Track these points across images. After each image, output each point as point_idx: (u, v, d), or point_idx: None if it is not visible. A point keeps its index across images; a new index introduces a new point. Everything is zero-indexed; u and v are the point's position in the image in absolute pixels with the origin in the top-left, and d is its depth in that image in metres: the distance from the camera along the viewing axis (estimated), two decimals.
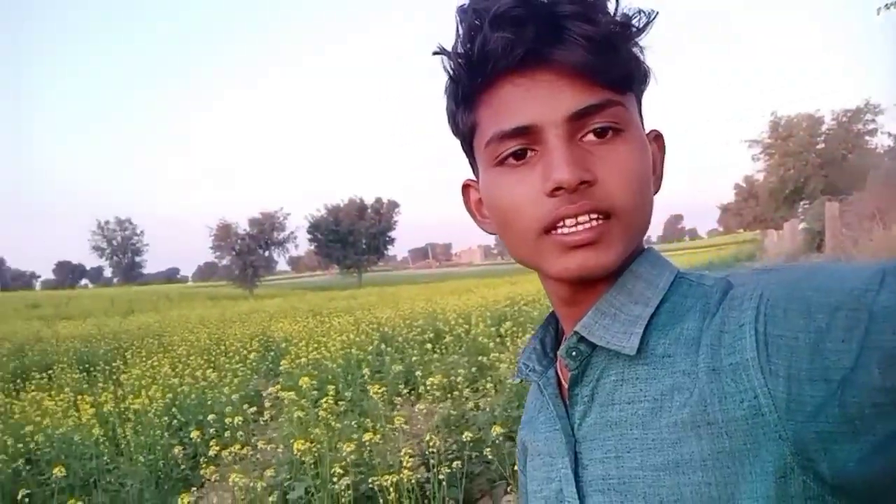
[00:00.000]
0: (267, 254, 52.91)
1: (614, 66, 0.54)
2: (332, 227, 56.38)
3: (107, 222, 78.62)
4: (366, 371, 6.49)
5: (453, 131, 0.62)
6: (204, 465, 3.57)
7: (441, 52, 0.58)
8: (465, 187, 0.66)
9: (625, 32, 0.54)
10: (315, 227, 56.81)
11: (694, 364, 0.51)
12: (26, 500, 3.60)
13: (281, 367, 7.24)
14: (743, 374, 0.48)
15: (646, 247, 0.62)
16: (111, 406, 5.94)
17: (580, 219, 0.53)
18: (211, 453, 3.63)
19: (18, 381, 8.95)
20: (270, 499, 3.21)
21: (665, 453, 0.51)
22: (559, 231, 0.54)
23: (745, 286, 0.52)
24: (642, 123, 0.60)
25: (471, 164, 0.63)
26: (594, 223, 0.53)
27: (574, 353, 0.58)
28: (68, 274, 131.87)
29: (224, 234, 51.18)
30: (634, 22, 0.55)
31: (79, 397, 6.36)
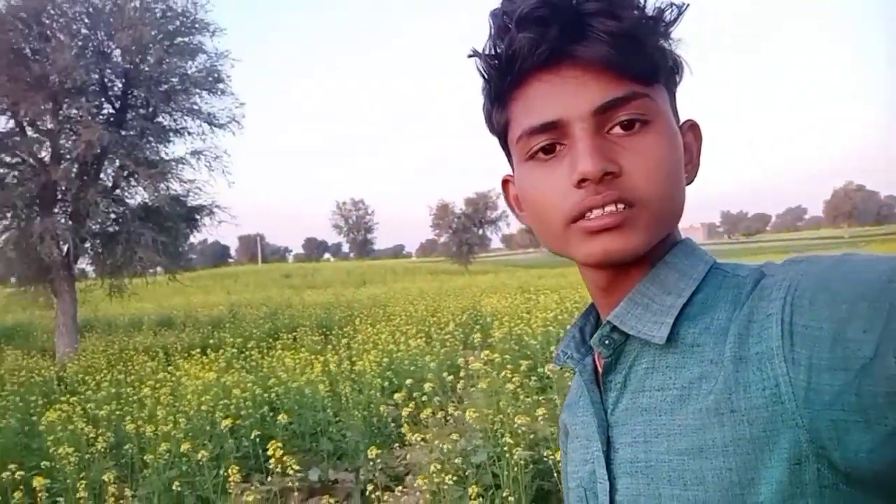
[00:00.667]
0: (481, 231, 54.82)
1: (639, 60, 0.54)
2: None
3: (344, 203, 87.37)
4: (552, 349, 6.52)
5: (490, 129, 0.65)
6: (406, 425, 3.95)
7: (474, 54, 0.61)
8: (505, 182, 0.69)
9: (650, 26, 0.55)
10: None
11: (721, 353, 0.52)
12: (257, 440, 4.31)
13: (476, 340, 7.59)
14: (767, 362, 0.49)
15: (682, 237, 0.61)
16: (335, 366, 6.75)
17: (606, 209, 0.54)
18: (404, 413, 4.00)
19: (270, 340, 10.56)
20: (457, 461, 3.46)
21: (690, 439, 0.53)
22: (585, 220, 0.56)
23: (776, 276, 0.52)
24: (676, 113, 0.60)
25: (508, 160, 0.66)
26: (618, 210, 0.54)
27: (607, 342, 0.60)
28: (314, 249, 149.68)
29: (443, 213, 54.09)
30: (666, 15, 0.55)
31: (313, 357, 7.31)
